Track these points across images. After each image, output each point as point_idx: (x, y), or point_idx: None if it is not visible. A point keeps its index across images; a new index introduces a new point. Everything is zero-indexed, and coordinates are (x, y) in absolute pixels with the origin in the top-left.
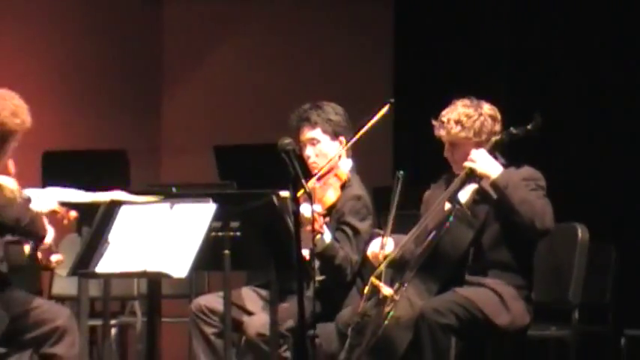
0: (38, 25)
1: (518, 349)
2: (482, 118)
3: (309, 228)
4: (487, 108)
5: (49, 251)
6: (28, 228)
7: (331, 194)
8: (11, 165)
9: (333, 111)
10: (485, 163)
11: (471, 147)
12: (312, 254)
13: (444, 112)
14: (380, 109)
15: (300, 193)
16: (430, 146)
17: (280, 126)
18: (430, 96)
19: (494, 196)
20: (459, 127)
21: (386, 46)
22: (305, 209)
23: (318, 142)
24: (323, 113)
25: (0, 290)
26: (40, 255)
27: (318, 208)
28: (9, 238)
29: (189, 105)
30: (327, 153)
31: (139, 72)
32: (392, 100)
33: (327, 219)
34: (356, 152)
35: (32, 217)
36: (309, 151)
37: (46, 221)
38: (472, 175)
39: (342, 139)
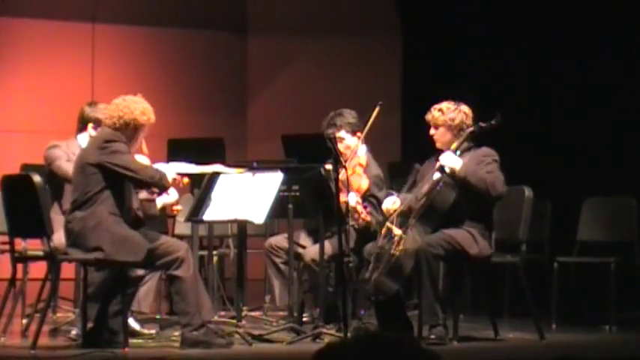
0: (164, 54)
1: (484, 271)
2: (457, 112)
3: (359, 222)
4: (464, 107)
5: (174, 204)
6: (159, 182)
7: (363, 183)
8: (144, 147)
9: (350, 115)
10: (451, 161)
11: (446, 130)
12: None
13: (434, 105)
14: (374, 109)
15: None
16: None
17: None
18: (427, 103)
19: (458, 182)
20: (439, 113)
21: (396, 69)
22: (351, 199)
23: (343, 139)
24: (344, 118)
25: (136, 228)
26: (166, 207)
27: (357, 196)
28: (144, 196)
29: (265, 109)
30: (350, 145)
31: (232, 87)
32: (381, 103)
33: (366, 206)
34: (377, 141)
35: (161, 175)
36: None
37: (172, 189)
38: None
39: (359, 134)
